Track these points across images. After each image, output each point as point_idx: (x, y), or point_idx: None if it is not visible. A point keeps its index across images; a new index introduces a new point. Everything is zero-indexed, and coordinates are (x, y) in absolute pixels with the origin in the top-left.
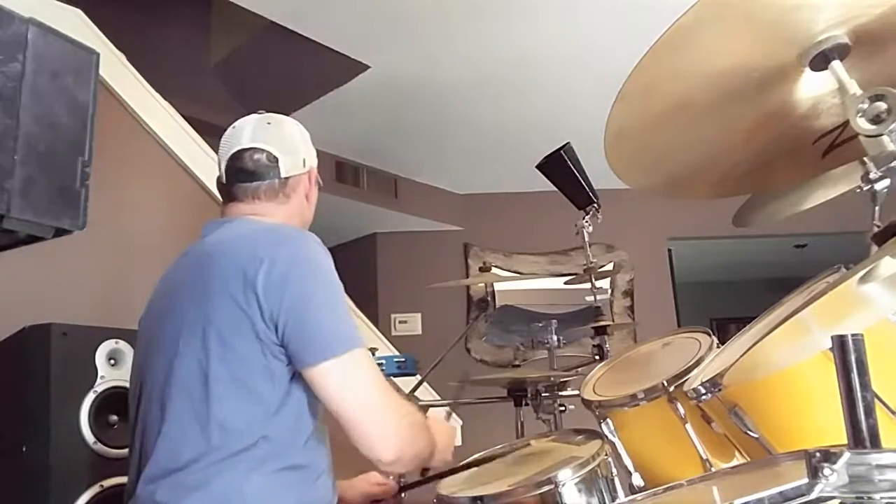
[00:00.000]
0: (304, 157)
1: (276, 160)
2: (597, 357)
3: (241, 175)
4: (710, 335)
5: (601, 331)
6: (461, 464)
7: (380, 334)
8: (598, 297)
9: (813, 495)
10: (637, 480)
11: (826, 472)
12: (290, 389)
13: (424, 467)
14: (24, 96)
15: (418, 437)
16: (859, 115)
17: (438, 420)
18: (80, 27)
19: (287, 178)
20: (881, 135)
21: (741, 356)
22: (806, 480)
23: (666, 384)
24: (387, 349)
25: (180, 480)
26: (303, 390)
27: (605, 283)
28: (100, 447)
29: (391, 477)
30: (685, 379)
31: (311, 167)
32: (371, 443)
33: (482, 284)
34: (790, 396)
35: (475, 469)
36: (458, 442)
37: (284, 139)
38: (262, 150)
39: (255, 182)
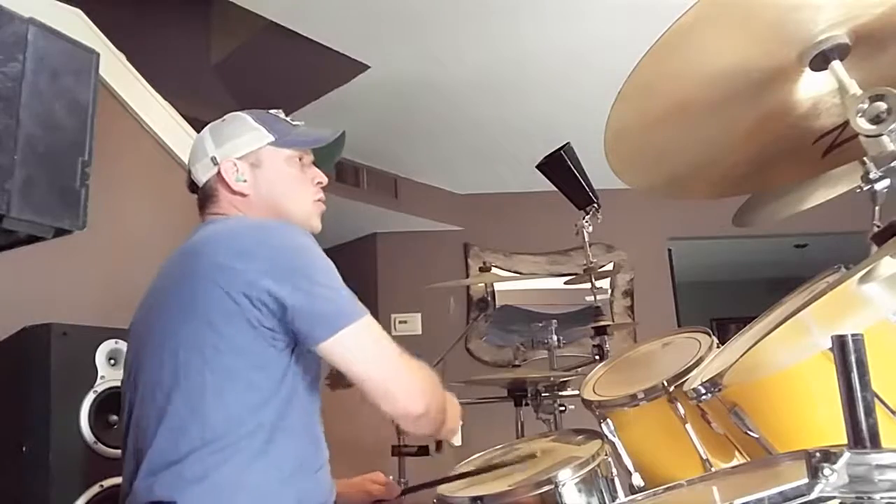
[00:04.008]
0: (213, 155)
1: (190, 173)
2: (597, 357)
3: (192, 189)
4: (710, 335)
5: (601, 331)
6: (468, 471)
7: None
8: (598, 297)
9: (813, 495)
10: (637, 480)
11: (826, 472)
12: (284, 378)
13: (438, 441)
14: (24, 96)
15: (438, 390)
16: (859, 115)
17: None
18: (80, 27)
19: (205, 184)
20: (881, 135)
21: (741, 356)
22: (806, 480)
23: (666, 384)
24: None
25: (179, 473)
26: (298, 379)
27: (605, 283)
28: (100, 447)
29: (391, 478)
30: (685, 379)
31: (225, 159)
32: (400, 398)
33: (482, 284)
34: (790, 396)
35: (475, 468)
36: (458, 442)
37: (194, 150)
38: (188, 169)
39: (198, 196)
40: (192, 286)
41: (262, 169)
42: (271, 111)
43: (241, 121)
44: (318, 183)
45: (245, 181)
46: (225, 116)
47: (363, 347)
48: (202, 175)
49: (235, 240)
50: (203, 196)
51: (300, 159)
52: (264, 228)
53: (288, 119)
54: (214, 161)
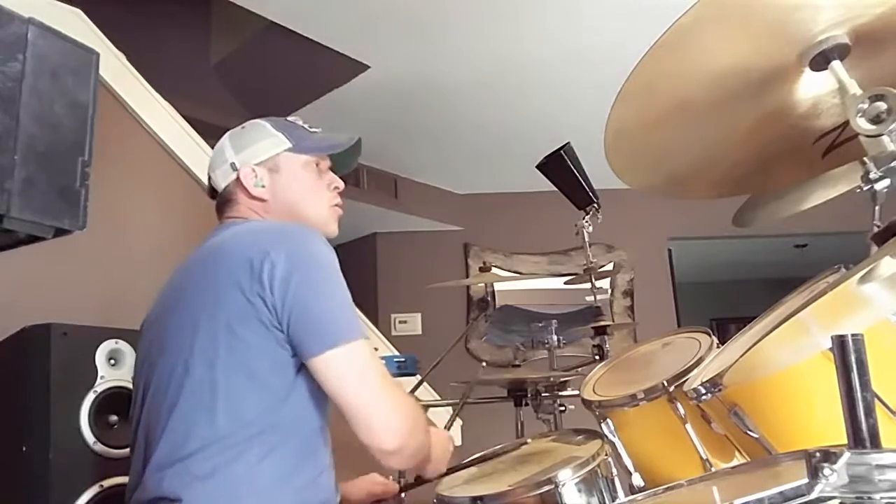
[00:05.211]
0: (233, 162)
1: (210, 179)
2: (597, 357)
3: (212, 195)
4: (710, 335)
5: (601, 331)
6: (463, 462)
7: (380, 334)
8: (598, 297)
9: (813, 495)
10: (637, 480)
11: (826, 472)
12: (296, 380)
13: (418, 475)
14: (24, 96)
15: (419, 431)
16: (859, 115)
17: (437, 430)
18: (80, 27)
19: (224, 189)
20: (881, 135)
21: (741, 356)
22: (806, 480)
23: (666, 384)
24: (387, 349)
25: (187, 468)
26: (309, 383)
27: (605, 283)
28: (100, 447)
29: (391, 477)
30: (685, 379)
31: (244, 164)
32: (374, 431)
33: (482, 284)
34: (790, 396)
35: (475, 468)
36: (458, 442)
37: (214, 156)
38: (209, 175)
39: (216, 200)
40: (210, 286)
41: (280, 174)
42: (289, 118)
43: (260, 127)
44: (335, 188)
45: (264, 186)
46: (244, 124)
47: (347, 372)
48: (221, 180)
49: (254, 242)
50: (222, 200)
51: (317, 165)
52: (283, 232)
53: (306, 126)
54: (234, 167)
